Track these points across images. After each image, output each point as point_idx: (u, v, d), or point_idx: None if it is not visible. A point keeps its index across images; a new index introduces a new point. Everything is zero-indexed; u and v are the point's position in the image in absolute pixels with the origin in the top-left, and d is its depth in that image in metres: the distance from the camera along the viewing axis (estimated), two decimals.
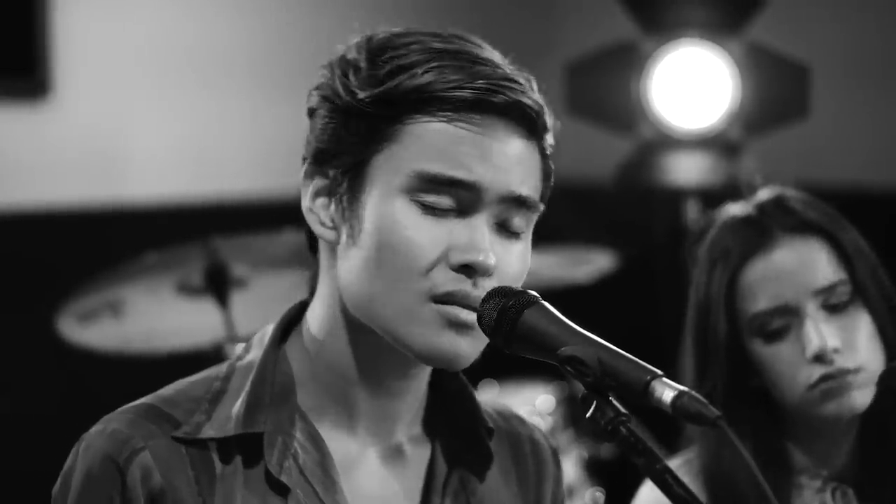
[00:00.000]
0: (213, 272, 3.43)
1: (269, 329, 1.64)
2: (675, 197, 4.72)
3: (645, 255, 5.10)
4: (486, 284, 1.53)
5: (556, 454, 1.81)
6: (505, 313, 1.52)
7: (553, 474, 1.79)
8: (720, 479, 2.13)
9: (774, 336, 2.12)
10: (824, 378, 2.08)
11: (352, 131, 1.55)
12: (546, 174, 1.60)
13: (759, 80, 4.47)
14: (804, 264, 2.11)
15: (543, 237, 5.01)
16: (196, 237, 3.44)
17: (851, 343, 2.09)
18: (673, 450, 2.27)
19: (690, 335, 2.21)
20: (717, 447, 2.14)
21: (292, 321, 1.65)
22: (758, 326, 2.12)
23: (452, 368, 1.58)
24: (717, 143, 4.51)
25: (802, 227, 2.13)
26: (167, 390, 1.61)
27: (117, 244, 4.00)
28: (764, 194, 2.19)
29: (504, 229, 1.56)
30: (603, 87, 4.61)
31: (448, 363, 1.56)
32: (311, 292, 1.64)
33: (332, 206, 1.57)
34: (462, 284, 1.52)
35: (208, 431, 1.56)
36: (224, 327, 3.37)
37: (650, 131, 4.54)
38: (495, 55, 1.58)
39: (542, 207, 1.59)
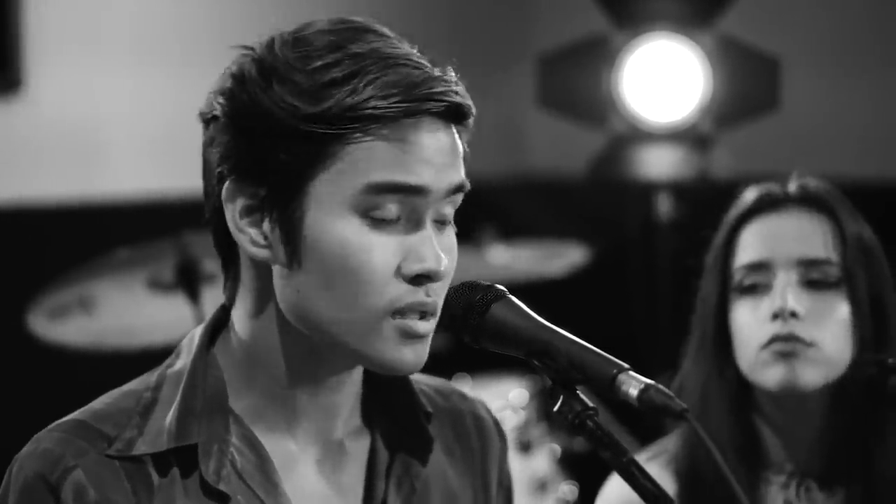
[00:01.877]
0: (184, 268, 3.43)
1: (197, 334, 1.62)
2: (647, 190, 4.73)
3: (617, 249, 5.11)
4: (434, 288, 1.52)
5: (499, 427, 1.80)
6: (472, 308, 1.52)
7: (497, 447, 1.78)
8: (691, 470, 2.13)
9: (748, 290, 2.13)
10: (773, 339, 2.09)
11: (285, 150, 1.49)
12: (464, 153, 1.59)
13: (730, 73, 4.48)
14: (799, 232, 2.14)
15: (516, 231, 5.00)
16: (168, 233, 3.44)
17: (816, 319, 2.10)
18: (646, 442, 2.28)
19: (694, 312, 2.21)
20: (688, 439, 2.15)
21: (219, 325, 1.62)
22: (738, 281, 2.14)
23: (408, 374, 1.58)
24: (689, 136, 4.52)
25: (810, 200, 2.16)
26: (98, 403, 1.59)
27: (88, 240, 3.99)
28: (803, 179, 2.21)
29: (440, 223, 1.55)
30: (574, 80, 4.62)
31: (408, 372, 1.56)
32: (232, 297, 1.60)
33: (266, 225, 1.52)
34: (417, 295, 1.51)
35: (140, 447, 1.54)
36: (195, 323, 3.36)
37: (622, 124, 4.55)
38: (405, 45, 1.55)
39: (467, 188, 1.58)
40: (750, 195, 2.19)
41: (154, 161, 4.72)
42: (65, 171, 4.54)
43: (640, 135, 4.55)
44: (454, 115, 1.53)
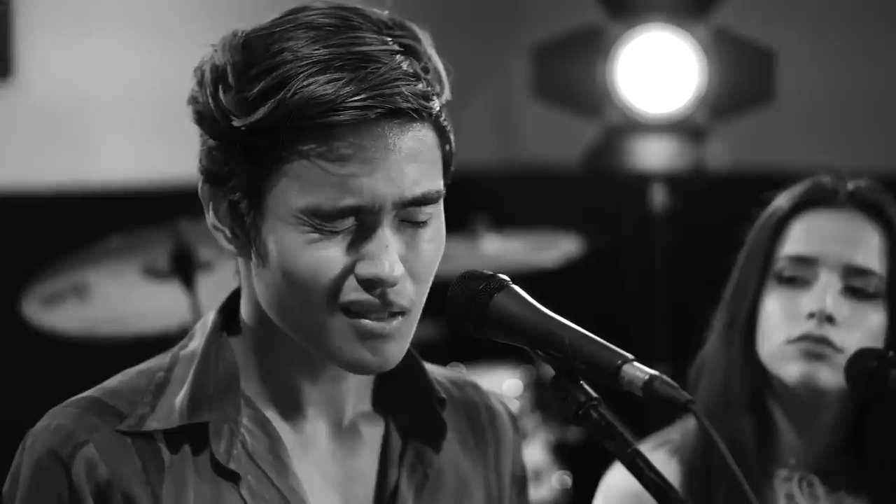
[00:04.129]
0: (179, 255, 3.42)
1: (211, 316, 1.63)
2: (642, 181, 4.73)
3: (611, 240, 5.10)
4: (399, 289, 1.50)
5: (514, 420, 1.80)
6: (475, 297, 1.51)
7: (512, 440, 1.78)
8: (698, 460, 2.13)
9: (787, 281, 2.12)
10: (804, 337, 2.09)
11: (236, 160, 1.49)
12: (445, 146, 1.54)
13: (725, 65, 4.48)
14: (852, 237, 2.12)
15: (509, 221, 5.00)
16: (162, 220, 3.43)
17: (850, 327, 2.09)
18: (643, 434, 2.27)
19: (726, 290, 2.19)
20: (696, 429, 2.15)
21: (232, 308, 1.63)
22: (779, 269, 2.13)
23: (372, 373, 1.58)
24: (684, 128, 4.53)
25: (869, 207, 2.14)
26: (111, 382, 1.60)
27: (83, 227, 3.98)
28: (856, 177, 2.19)
29: (408, 222, 1.51)
30: (569, 71, 4.62)
31: (374, 371, 1.55)
32: (239, 283, 1.61)
33: (236, 227, 1.53)
34: (366, 295, 1.49)
35: (152, 424, 1.55)
36: (190, 311, 3.36)
37: (616, 116, 4.55)
38: (369, 35, 1.48)
39: (443, 193, 1.53)
40: (803, 185, 2.17)
41: (148, 148, 4.71)
42: (58, 158, 4.53)
43: (635, 126, 4.55)
44: (405, 114, 1.47)
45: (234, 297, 1.63)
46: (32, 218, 4.43)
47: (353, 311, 1.50)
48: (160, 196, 4.50)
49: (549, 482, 4.03)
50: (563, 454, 4.12)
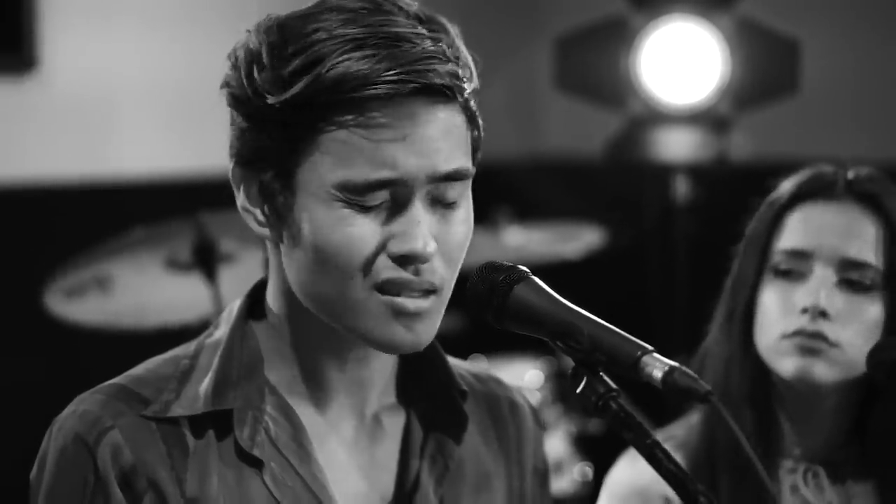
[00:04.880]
0: (201, 247, 3.43)
1: (236, 305, 1.64)
2: (665, 172, 4.72)
3: (634, 231, 5.10)
4: (431, 267, 1.51)
5: (535, 414, 1.81)
6: (495, 289, 1.51)
7: (533, 434, 1.79)
8: (707, 453, 2.13)
9: (782, 274, 2.12)
10: (798, 332, 2.08)
11: (270, 137, 1.51)
12: (473, 131, 1.55)
13: (748, 55, 4.46)
14: (848, 230, 2.11)
15: (532, 213, 5.00)
16: (184, 212, 3.44)
17: (845, 320, 2.08)
18: (664, 425, 2.27)
19: (726, 282, 2.19)
20: (707, 421, 2.14)
21: (257, 297, 1.64)
22: (775, 262, 2.12)
23: (410, 352, 1.57)
24: (707, 119, 4.51)
25: (866, 198, 2.12)
26: (137, 370, 1.62)
27: (105, 219, 3.99)
28: (857, 166, 2.17)
29: (440, 202, 1.53)
30: (592, 62, 4.61)
31: (405, 350, 1.55)
32: (266, 271, 1.62)
33: (267, 208, 1.55)
34: (401, 272, 1.50)
35: (177, 410, 1.56)
36: (212, 303, 3.37)
37: (640, 106, 4.54)
38: (409, 22, 1.50)
39: (473, 172, 1.55)
40: (802, 176, 2.16)
41: (170, 140, 4.72)
42: (81, 151, 4.54)
43: (658, 117, 4.53)
44: (437, 92, 1.49)
45: (260, 286, 1.65)
46: (55, 210, 4.45)
47: (386, 289, 1.50)
48: (182, 188, 4.52)
49: (571, 474, 4.03)
50: (584, 446, 4.11)
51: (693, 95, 4.50)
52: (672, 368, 1.39)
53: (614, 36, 4.54)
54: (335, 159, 1.48)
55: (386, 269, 1.50)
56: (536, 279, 1.52)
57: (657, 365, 1.40)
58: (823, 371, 2.08)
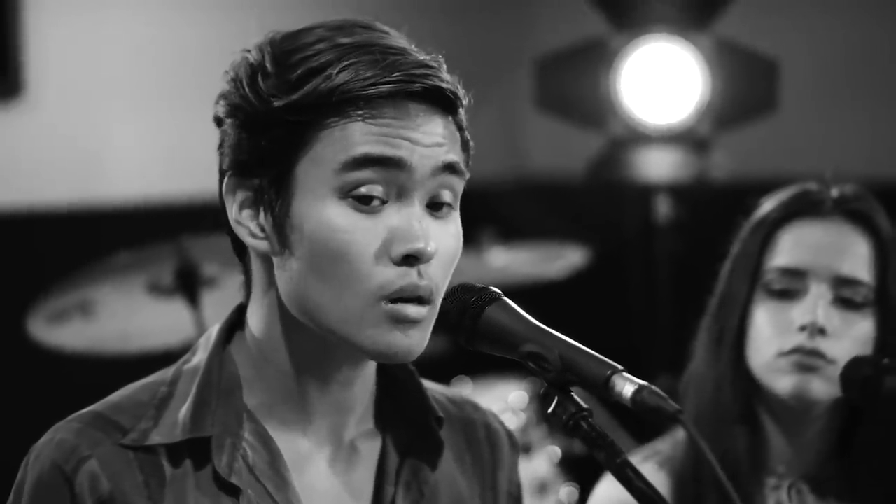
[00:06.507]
0: (183, 272, 3.43)
1: (214, 331, 1.64)
2: (646, 192, 4.73)
3: (616, 251, 5.11)
4: (429, 272, 1.52)
5: (511, 438, 1.81)
6: (467, 310, 1.53)
7: (508, 459, 1.79)
8: (689, 471, 2.14)
9: (777, 295, 2.12)
10: (797, 350, 2.09)
11: (271, 140, 1.53)
12: (465, 145, 1.59)
13: (728, 75, 4.48)
14: (841, 248, 2.13)
15: (515, 233, 4.99)
16: (167, 237, 3.44)
17: (840, 337, 2.09)
18: (643, 443, 2.28)
19: (713, 301, 2.19)
20: (684, 441, 2.15)
21: (235, 323, 1.64)
22: (768, 281, 2.13)
23: (403, 362, 1.59)
24: (687, 139, 4.52)
25: (857, 217, 2.14)
26: (114, 396, 1.62)
27: (88, 244, 3.99)
28: (841, 182, 2.18)
29: (436, 207, 1.55)
30: (573, 83, 4.62)
31: (401, 359, 1.56)
32: (247, 295, 1.63)
33: (261, 216, 1.55)
34: (408, 278, 1.51)
35: (155, 438, 1.56)
36: (195, 327, 3.37)
37: (620, 127, 4.55)
38: (402, 40, 1.56)
39: (467, 175, 1.58)
40: (788, 194, 2.17)
41: (154, 165, 4.72)
42: (65, 176, 4.55)
43: (638, 137, 4.55)
44: (437, 100, 1.53)
45: (238, 312, 1.65)
46: (38, 235, 4.45)
47: (385, 296, 1.51)
48: (165, 213, 4.52)
49: (556, 495, 4.03)
50: (569, 466, 4.11)
51: (673, 115, 4.51)
52: (641, 387, 1.41)
53: (594, 57, 4.55)
54: (338, 146, 1.51)
55: (390, 276, 1.51)
56: (508, 300, 1.53)
57: (627, 384, 1.42)
58: (820, 388, 2.09)
